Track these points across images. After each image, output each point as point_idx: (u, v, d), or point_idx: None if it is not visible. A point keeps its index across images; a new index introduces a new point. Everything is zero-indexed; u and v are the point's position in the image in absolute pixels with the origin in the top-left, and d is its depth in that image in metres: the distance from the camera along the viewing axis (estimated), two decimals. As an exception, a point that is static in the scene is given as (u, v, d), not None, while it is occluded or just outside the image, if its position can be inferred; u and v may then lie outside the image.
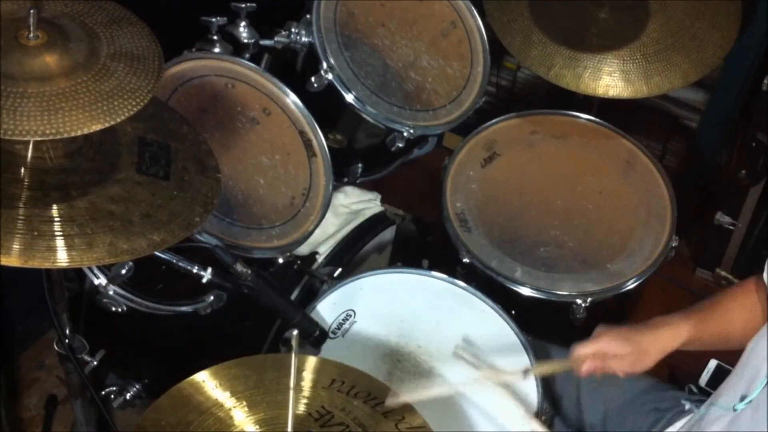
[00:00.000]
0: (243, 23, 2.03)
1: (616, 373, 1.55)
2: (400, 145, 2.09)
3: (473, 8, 2.23)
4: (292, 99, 1.88)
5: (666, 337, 1.54)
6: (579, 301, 1.97)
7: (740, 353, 1.49)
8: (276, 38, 2.06)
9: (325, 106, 1.99)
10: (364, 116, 2.06)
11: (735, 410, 1.40)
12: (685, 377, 1.93)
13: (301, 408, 1.36)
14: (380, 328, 1.82)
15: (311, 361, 1.45)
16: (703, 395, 1.74)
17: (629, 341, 1.53)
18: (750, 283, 1.58)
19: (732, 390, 1.45)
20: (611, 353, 1.53)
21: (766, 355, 1.37)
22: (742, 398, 1.39)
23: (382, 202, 2.26)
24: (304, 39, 2.05)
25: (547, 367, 1.72)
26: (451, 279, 1.91)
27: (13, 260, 1.25)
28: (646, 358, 1.54)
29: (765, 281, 1.52)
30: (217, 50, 1.96)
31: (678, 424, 1.67)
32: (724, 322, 1.57)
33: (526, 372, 1.65)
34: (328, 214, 1.97)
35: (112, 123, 1.25)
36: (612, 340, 1.54)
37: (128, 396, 2.05)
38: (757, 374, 1.38)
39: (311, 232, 1.92)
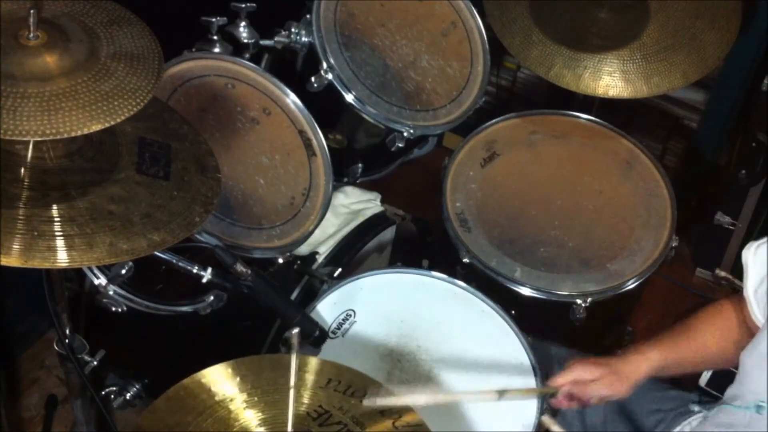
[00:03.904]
0: (243, 23, 2.04)
1: (594, 399, 1.60)
2: (400, 145, 2.09)
3: (473, 8, 2.24)
4: (292, 99, 1.88)
5: (636, 361, 1.60)
6: (579, 301, 1.97)
7: None
8: (276, 38, 2.06)
9: (325, 106, 1.99)
10: (364, 116, 2.06)
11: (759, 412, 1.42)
12: (685, 378, 1.93)
13: (300, 407, 1.36)
14: (380, 328, 1.82)
15: (308, 362, 1.45)
16: (707, 396, 1.74)
17: (601, 365, 1.60)
18: (723, 304, 1.61)
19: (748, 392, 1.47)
20: (587, 378, 1.59)
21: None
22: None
23: (382, 202, 2.25)
24: (304, 39, 2.05)
25: (524, 392, 1.72)
26: (451, 279, 1.91)
27: (13, 260, 1.25)
28: (620, 381, 1.59)
29: (745, 298, 1.54)
30: (217, 50, 1.96)
31: (683, 424, 1.67)
32: (697, 345, 1.61)
33: (501, 393, 1.60)
34: (328, 214, 1.97)
35: (112, 123, 1.25)
36: (585, 366, 1.60)
37: (128, 396, 2.05)
38: None
39: (311, 232, 1.92)
